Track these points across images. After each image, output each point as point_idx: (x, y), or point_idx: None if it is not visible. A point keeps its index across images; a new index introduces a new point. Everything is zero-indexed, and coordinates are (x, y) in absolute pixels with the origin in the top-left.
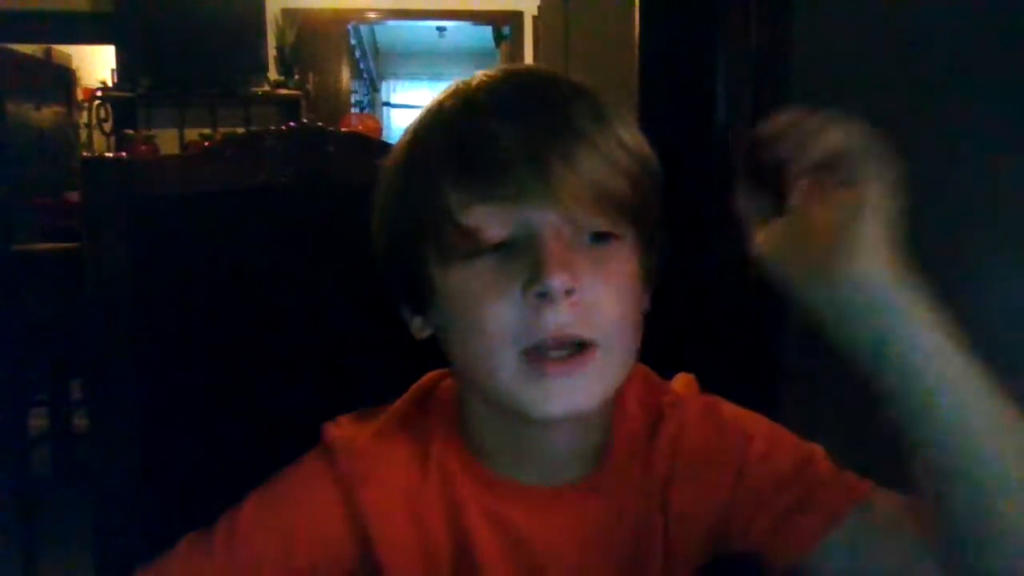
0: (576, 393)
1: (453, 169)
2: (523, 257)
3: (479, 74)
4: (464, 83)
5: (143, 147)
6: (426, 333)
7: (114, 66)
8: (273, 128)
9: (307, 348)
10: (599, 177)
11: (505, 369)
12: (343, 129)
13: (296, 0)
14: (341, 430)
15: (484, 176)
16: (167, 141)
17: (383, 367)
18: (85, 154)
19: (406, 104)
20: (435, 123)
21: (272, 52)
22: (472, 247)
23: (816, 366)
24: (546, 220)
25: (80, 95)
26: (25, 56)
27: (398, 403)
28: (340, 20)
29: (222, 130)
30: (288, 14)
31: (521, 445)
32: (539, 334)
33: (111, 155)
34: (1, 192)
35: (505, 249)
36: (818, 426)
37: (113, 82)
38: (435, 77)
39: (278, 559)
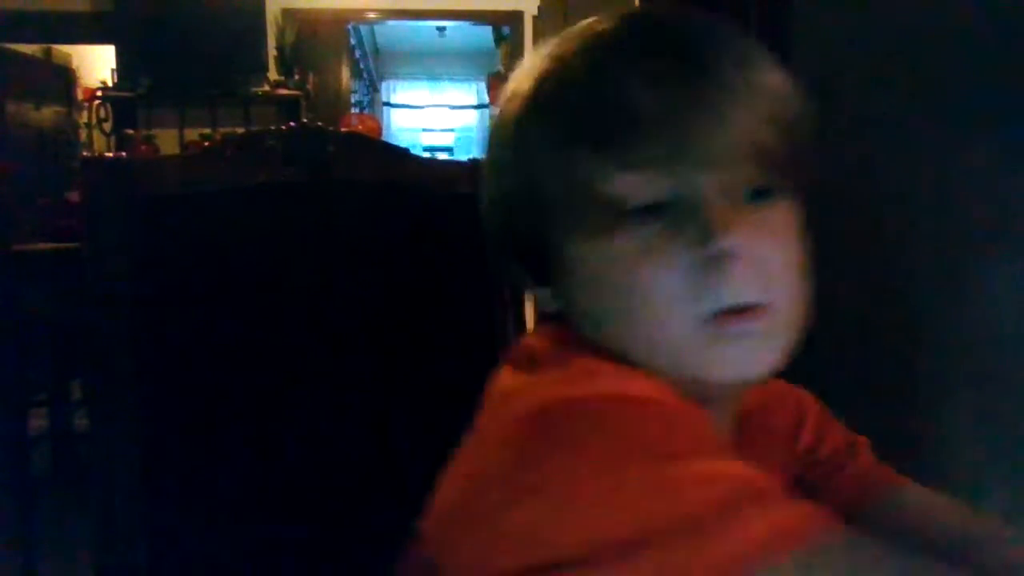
0: (755, 355)
1: (589, 136)
2: (682, 222)
3: (592, 22)
4: (584, 34)
5: (143, 147)
6: (555, 306)
7: (114, 66)
8: (273, 128)
9: (307, 348)
10: (750, 129)
11: (674, 339)
12: (343, 129)
13: (296, 0)
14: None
15: (626, 142)
16: (167, 141)
17: (383, 366)
18: (85, 154)
19: (406, 104)
20: (560, 84)
21: (272, 52)
22: (617, 218)
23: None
24: (701, 181)
25: (80, 95)
26: (25, 56)
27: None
28: (340, 20)
29: (222, 130)
30: (288, 14)
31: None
32: (717, 299)
33: (111, 155)
34: (1, 192)
35: (657, 215)
36: None
37: (113, 82)
38: (435, 77)
39: None
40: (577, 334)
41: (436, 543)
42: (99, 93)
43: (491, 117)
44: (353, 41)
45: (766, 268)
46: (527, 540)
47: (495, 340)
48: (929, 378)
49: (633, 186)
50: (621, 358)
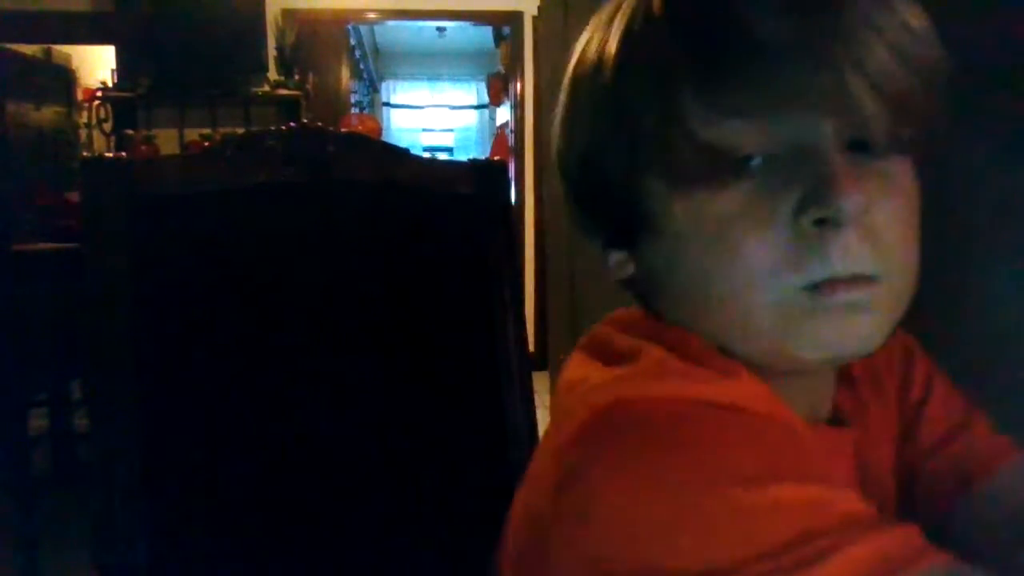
0: (856, 332)
1: (695, 73)
2: (793, 175)
3: None
4: None
5: (143, 147)
6: (629, 272)
7: (114, 66)
8: (273, 128)
9: (307, 347)
10: (888, 72)
11: (770, 310)
12: (343, 129)
13: (296, 0)
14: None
15: (740, 81)
16: (167, 141)
17: (383, 366)
18: (85, 154)
19: (406, 104)
20: (659, 12)
21: (272, 52)
22: (719, 169)
23: None
24: (825, 130)
25: (80, 95)
26: (25, 56)
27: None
28: (340, 20)
29: (222, 130)
30: (288, 14)
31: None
32: (821, 268)
33: (111, 155)
34: (1, 192)
35: (765, 167)
36: None
37: (113, 82)
38: (435, 77)
39: None
40: (654, 318)
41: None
42: (99, 93)
43: (565, 78)
44: (353, 41)
45: (882, 234)
46: (580, 567)
47: (495, 340)
48: None
49: (742, 134)
50: (703, 340)
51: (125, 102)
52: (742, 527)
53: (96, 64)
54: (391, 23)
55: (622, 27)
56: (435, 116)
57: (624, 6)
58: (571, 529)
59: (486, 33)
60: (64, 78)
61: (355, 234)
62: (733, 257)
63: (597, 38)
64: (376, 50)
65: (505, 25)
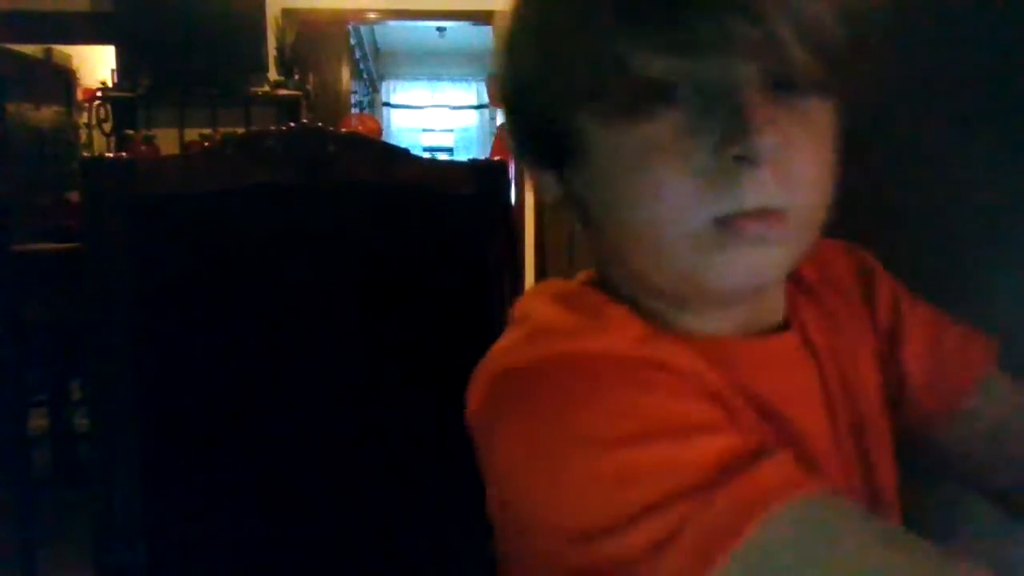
0: (764, 264)
1: (627, 9)
2: (714, 113)
3: None
4: None
5: (143, 147)
6: (554, 194)
7: (114, 66)
8: (273, 128)
9: (306, 347)
10: (815, 21)
11: (683, 241)
12: (343, 129)
13: (296, 0)
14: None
15: (670, 18)
16: (167, 141)
17: (383, 365)
18: (85, 154)
19: (406, 104)
20: None
21: (272, 52)
22: (645, 101)
23: None
24: (749, 71)
25: (80, 95)
26: (25, 56)
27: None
28: (340, 20)
29: (222, 130)
30: (288, 14)
31: (697, 312)
32: (735, 203)
33: (111, 155)
34: (1, 192)
35: (689, 101)
36: None
37: (113, 82)
38: (435, 77)
39: None
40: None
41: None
42: (99, 93)
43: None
44: (353, 41)
45: (793, 171)
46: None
47: (495, 339)
48: None
49: (670, 69)
50: (599, 294)
51: (125, 102)
52: (603, 492)
53: (96, 64)
54: (391, 23)
55: None
56: (435, 116)
57: None
58: (489, 489)
59: (486, 33)
60: (64, 78)
61: (355, 234)
62: (652, 188)
63: None
64: (376, 50)
65: None
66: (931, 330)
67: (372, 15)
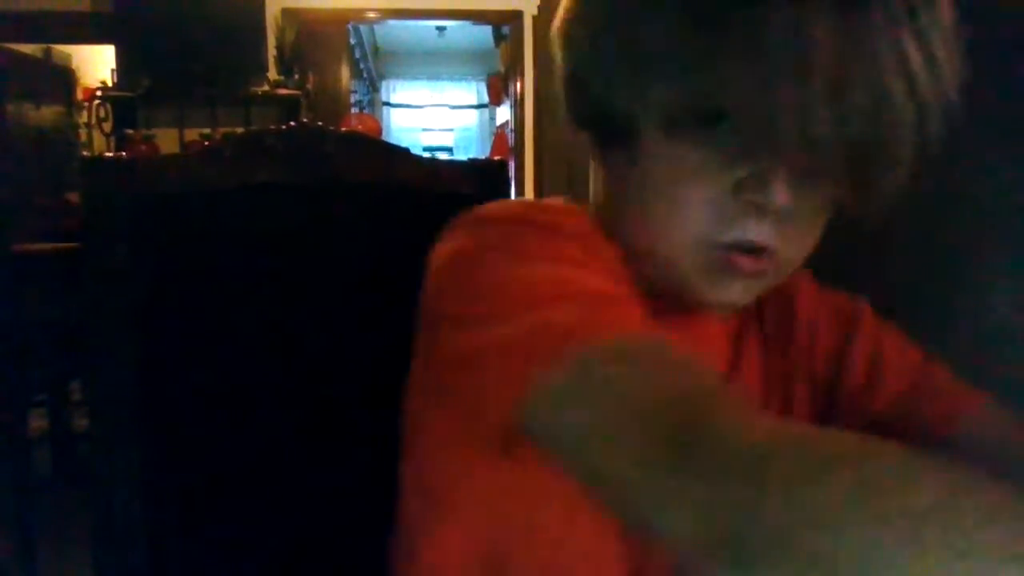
0: (744, 293)
1: (715, 47)
2: (752, 154)
3: None
4: None
5: (143, 147)
6: (591, 156)
7: (114, 66)
8: (273, 128)
9: (306, 347)
10: (863, 152)
11: (689, 256)
12: (343, 129)
13: (296, 0)
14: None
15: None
16: (167, 141)
17: (383, 366)
18: (85, 154)
19: (406, 104)
20: None
21: (272, 52)
22: (695, 118)
23: None
24: (792, 145)
25: (80, 95)
26: (25, 56)
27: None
28: (340, 20)
29: (222, 130)
30: (288, 14)
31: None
32: (736, 233)
33: (111, 155)
34: (1, 192)
35: (730, 135)
36: None
37: (113, 82)
38: (435, 77)
39: None
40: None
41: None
42: (99, 93)
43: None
44: (353, 41)
45: (790, 230)
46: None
47: None
48: None
49: (731, 105)
50: (627, 249)
51: (125, 102)
52: (501, 290)
53: (96, 64)
54: (391, 23)
55: None
56: (435, 116)
57: None
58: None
59: (486, 33)
60: (64, 78)
61: (355, 234)
62: (679, 207)
63: None
64: (376, 50)
65: (505, 25)
66: (912, 364)
67: (372, 15)
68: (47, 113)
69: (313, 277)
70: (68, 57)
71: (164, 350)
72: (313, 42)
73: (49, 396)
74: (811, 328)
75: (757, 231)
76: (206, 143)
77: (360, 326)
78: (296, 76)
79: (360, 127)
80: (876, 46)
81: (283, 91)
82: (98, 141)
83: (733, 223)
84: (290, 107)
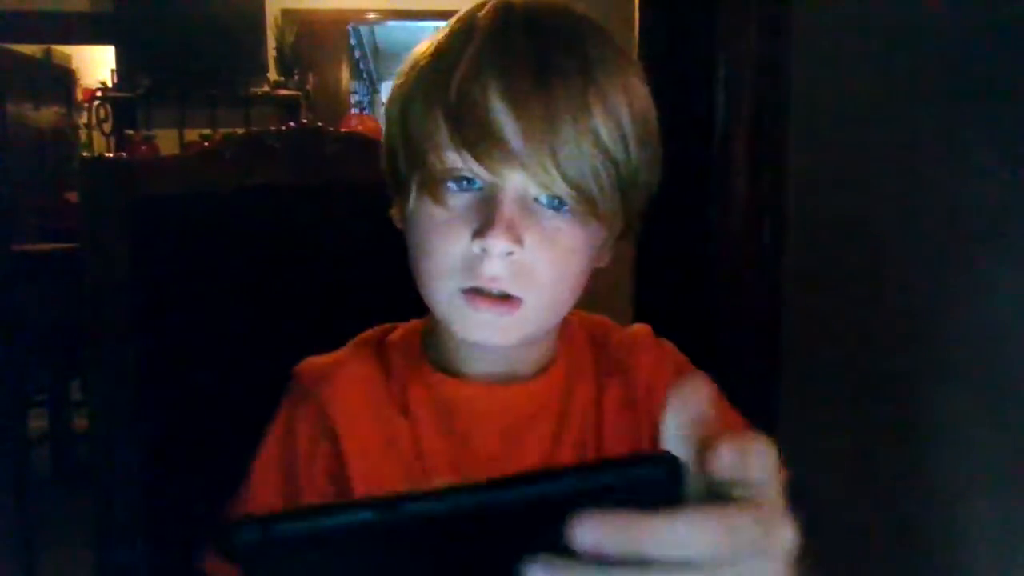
0: (497, 331)
1: (446, 122)
2: (484, 207)
3: (481, 13)
4: (466, 27)
5: (143, 147)
6: (399, 225)
7: (114, 66)
8: (273, 128)
9: (306, 347)
10: (569, 167)
11: (443, 297)
12: (343, 129)
13: (296, 0)
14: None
15: (471, 136)
16: (167, 141)
17: None
18: (85, 154)
19: None
20: (434, 69)
21: (272, 52)
22: (449, 180)
23: (814, 358)
24: (512, 183)
25: (80, 95)
26: (25, 56)
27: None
28: (340, 20)
29: (222, 130)
30: (288, 15)
31: (463, 352)
32: (475, 280)
33: (111, 155)
34: (1, 192)
35: (474, 192)
36: (818, 415)
37: (113, 82)
38: None
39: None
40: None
41: None
42: (99, 93)
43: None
44: (353, 41)
45: (531, 269)
46: None
47: None
48: (929, 378)
49: (466, 165)
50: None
51: (125, 102)
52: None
53: (96, 64)
54: (391, 23)
55: (417, 60)
56: None
57: (425, 51)
58: None
59: None
60: (64, 78)
61: (355, 234)
62: (429, 255)
63: (410, 69)
64: (376, 50)
65: None
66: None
67: (372, 15)
68: (47, 113)
69: (313, 276)
70: (68, 57)
71: (164, 350)
72: (313, 43)
73: (49, 396)
74: (651, 387)
75: (489, 276)
76: (206, 144)
77: (361, 325)
78: (296, 76)
79: (360, 127)
80: None
81: (283, 91)
82: (98, 142)
83: (467, 272)
84: (290, 107)
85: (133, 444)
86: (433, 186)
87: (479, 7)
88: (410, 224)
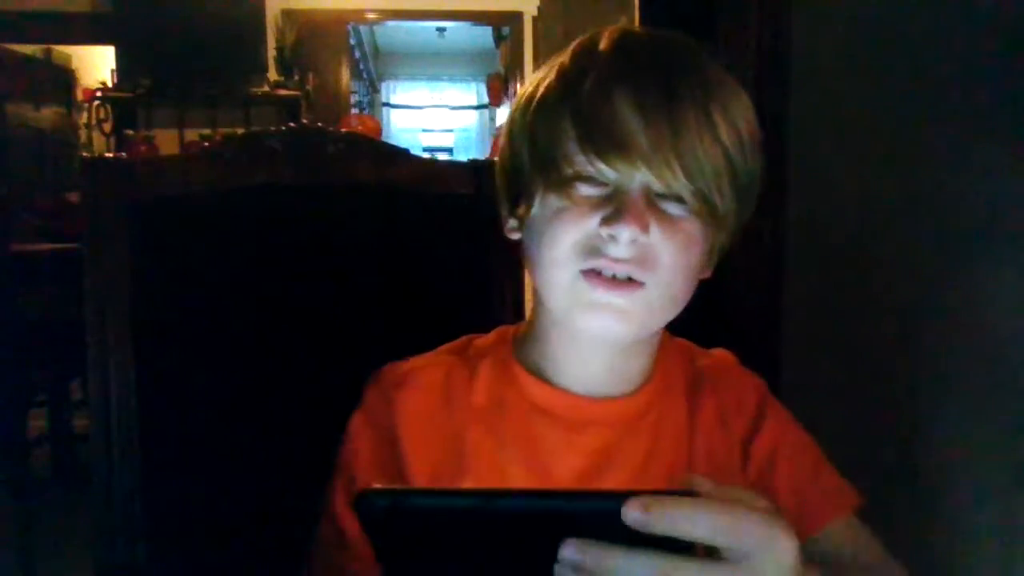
0: (616, 315)
1: (576, 129)
2: (612, 199)
3: (601, 39)
4: (588, 50)
5: (143, 147)
6: (515, 235)
7: (114, 66)
8: (273, 128)
9: (307, 347)
10: (692, 166)
11: (563, 280)
12: (343, 129)
13: (296, 0)
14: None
15: (601, 142)
16: (167, 141)
17: (383, 364)
18: (85, 154)
19: (406, 104)
20: (562, 86)
21: (272, 52)
22: (575, 182)
23: (814, 358)
24: (638, 181)
25: (80, 95)
26: (25, 56)
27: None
28: (340, 20)
29: (222, 130)
30: (288, 15)
31: (568, 356)
32: (597, 260)
33: (111, 155)
34: (1, 192)
35: (600, 189)
36: (818, 415)
37: (113, 82)
38: (435, 77)
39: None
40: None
41: None
42: (99, 93)
43: (513, 103)
44: (353, 41)
45: (654, 254)
46: None
47: None
48: (927, 378)
49: (595, 167)
50: (537, 296)
51: (125, 102)
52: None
53: (96, 64)
54: (391, 23)
55: (540, 82)
56: (435, 116)
57: (551, 68)
58: None
59: (486, 33)
60: (64, 78)
61: (355, 234)
62: (553, 241)
63: (531, 94)
64: (376, 50)
65: (505, 25)
66: (804, 464)
67: (372, 15)
68: (47, 113)
69: (313, 276)
70: (68, 57)
71: (164, 350)
72: (313, 43)
73: (49, 396)
74: (724, 412)
75: (614, 260)
76: (206, 143)
77: (361, 325)
78: (296, 77)
79: (360, 128)
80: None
81: (283, 91)
82: (98, 142)
83: (597, 251)
84: (290, 107)
85: (133, 444)
86: (561, 185)
87: (597, 34)
88: (533, 224)
